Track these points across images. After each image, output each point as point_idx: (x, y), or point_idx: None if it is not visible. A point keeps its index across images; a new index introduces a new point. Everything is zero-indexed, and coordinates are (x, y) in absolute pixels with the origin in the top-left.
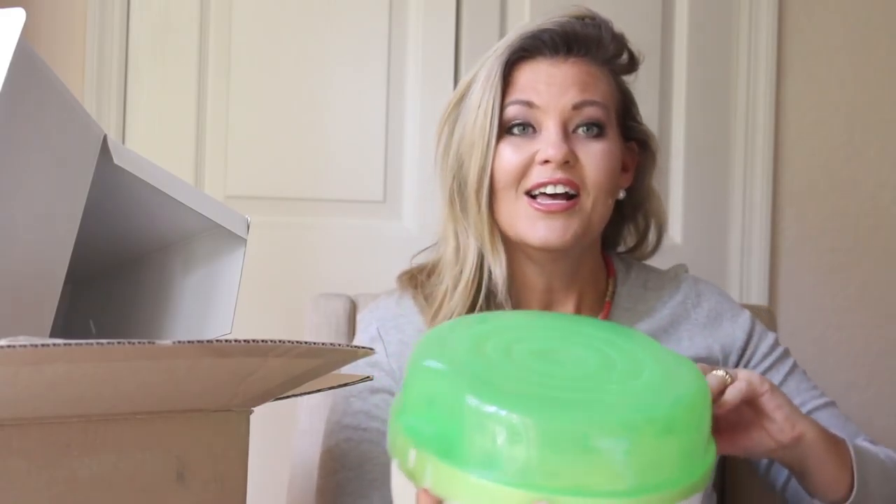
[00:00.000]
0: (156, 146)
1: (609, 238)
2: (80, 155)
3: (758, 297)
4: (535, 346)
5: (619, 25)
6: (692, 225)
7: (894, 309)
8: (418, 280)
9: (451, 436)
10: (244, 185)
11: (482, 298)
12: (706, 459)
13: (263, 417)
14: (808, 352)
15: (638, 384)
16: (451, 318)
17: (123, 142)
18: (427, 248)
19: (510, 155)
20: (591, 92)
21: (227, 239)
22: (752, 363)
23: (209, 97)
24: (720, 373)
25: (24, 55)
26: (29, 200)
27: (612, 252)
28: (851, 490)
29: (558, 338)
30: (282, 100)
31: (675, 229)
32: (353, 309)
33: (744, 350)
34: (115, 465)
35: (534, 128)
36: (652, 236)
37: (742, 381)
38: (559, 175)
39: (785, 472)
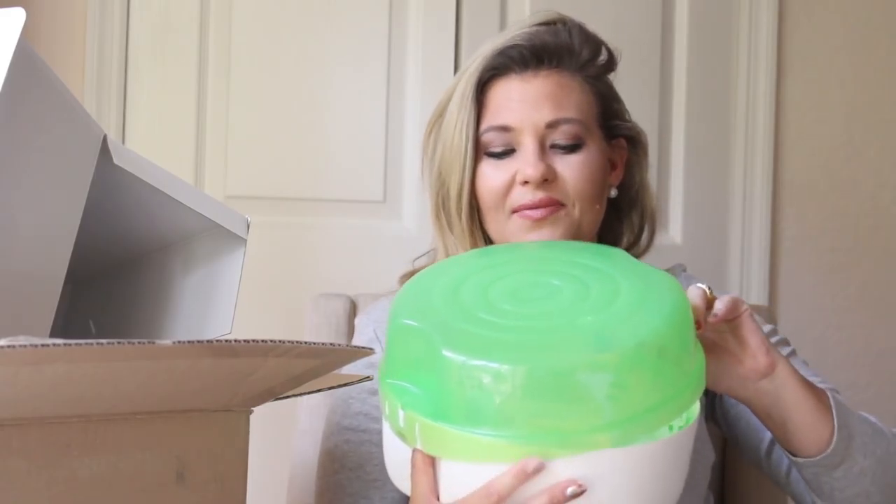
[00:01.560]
0: (156, 146)
1: (607, 238)
2: (80, 155)
3: (758, 297)
4: (511, 282)
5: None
6: (692, 225)
7: (894, 309)
8: None
9: (434, 393)
10: (244, 185)
11: None
12: (693, 370)
13: (263, 417)
14: (808, 352)
15: (613, 312)
16: None
17: (123, 142)
18: (427, 253)
19: (492, 175)
20: (564, 107)
21: (227, 239)
22: None
23: (209, 97)
24: (701, 285)
25: (24, 55)
26: (29, 200)
27: None
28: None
29: (536, 270)
30: (282, 100)
31: (675, 229)
32: (353, 309)
33: None
34: (115, 465)
35: (513, 148)
36: (646, 232)
37: (726, 296)
38: (540, 195)
39: (786, 465)
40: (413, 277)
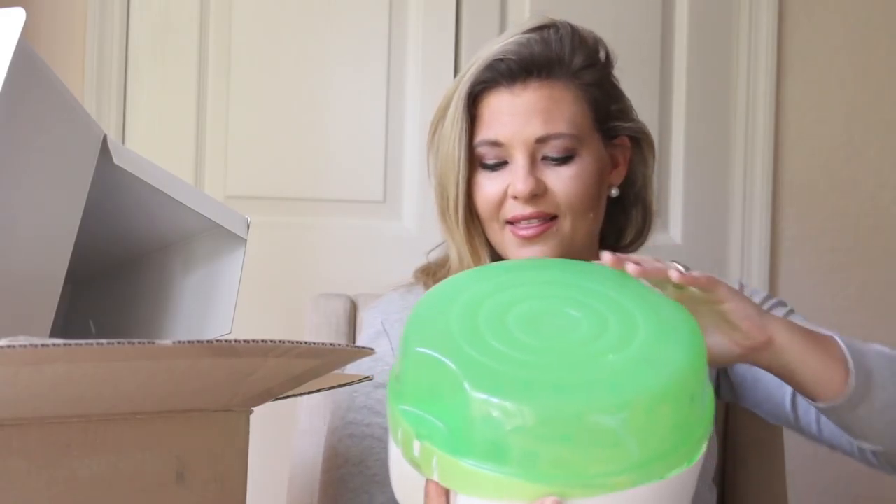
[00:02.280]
0: (156, 146)
1: (610, 235)
2: (80, 155)
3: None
4: (528, 310)
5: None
6: (692, 225)
7: (894, 309)
8: (431, 270)
9: (454, 427)
10: (244, 185)
11: None
12: (707, 406)
13: (263, 417)
14: None
15: (634, 351)
16: None
17: (123, 142)
18: (439, 245)
19: (487, 187)
20: (554, 121)
21: (227, 239)
22: None
23: (209, 97)
24: (678, 266)
25: (24, 55)
26: (29, 200)
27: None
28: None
29: (553, 296)
30: (282, 100)
31: (675, 229)
32: (353, 309)
33: None
34: (115, 465)
35: (505, 160)
36: (644, 230)
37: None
38: (530, 209)
39: (814, 411)
40: (425, 297)
